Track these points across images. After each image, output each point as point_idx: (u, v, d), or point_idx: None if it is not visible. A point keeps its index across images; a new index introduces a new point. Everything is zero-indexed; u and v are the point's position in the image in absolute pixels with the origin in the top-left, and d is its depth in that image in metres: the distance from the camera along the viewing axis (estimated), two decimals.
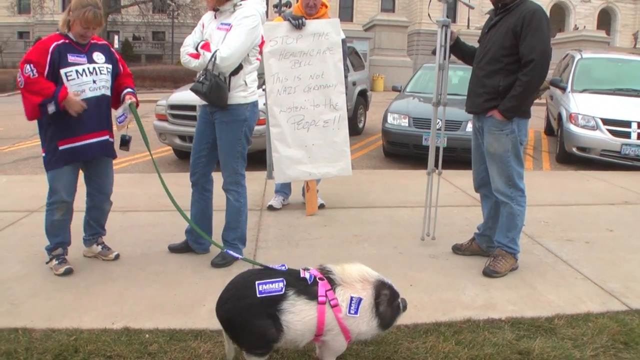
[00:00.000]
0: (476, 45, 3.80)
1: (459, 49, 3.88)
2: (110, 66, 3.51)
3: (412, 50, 37.94)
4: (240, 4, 3.53)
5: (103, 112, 3.49)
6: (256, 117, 3.78)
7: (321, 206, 5.13)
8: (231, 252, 3.00)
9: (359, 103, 10.71)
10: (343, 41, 4.70)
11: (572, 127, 7.97)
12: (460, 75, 8.90)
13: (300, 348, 2.45)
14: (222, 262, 3.66)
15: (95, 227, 3.76)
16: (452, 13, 40.54)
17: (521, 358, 2.56)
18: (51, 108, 3.23)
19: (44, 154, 3.44)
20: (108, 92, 3.50)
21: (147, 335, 2.69)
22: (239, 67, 3.51)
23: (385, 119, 8.21)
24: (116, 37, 34.66)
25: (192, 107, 6.73)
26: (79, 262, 3.68)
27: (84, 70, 3.35)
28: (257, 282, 2.25)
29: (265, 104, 4.89)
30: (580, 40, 29.12)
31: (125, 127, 3.55)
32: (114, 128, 3.58)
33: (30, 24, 43.18)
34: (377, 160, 8.45)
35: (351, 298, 2.28)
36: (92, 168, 3.62)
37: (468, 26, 36.84)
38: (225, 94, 3.49)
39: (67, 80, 3.29)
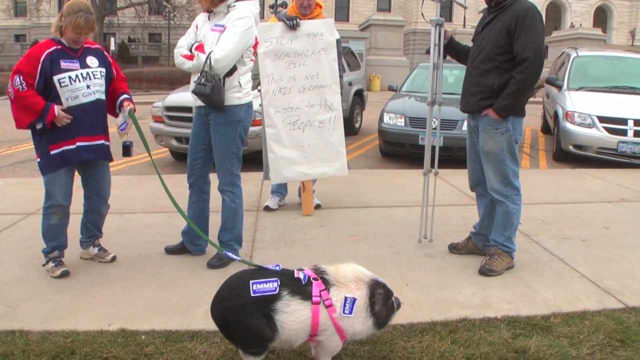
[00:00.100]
0: (471, 44, 3.81)
1: (452, 48, 3.88)
2: (103, 70, 3.51)
3: (408, 49, 37.97)
4: (234, 5, 3.53)
5: (98, 116, 3.51)
6: (251, 118, 3.78)
7: (317, 206, 5.13)
8: (230, 254, 2.99)
9: (356, 103, 10.71)
10: (338, 41, 4.70)
11: (569, 125, 7.98)
12: (456, 74, 8.88)
13: (295, 348, 2.45)
14: (218, 263, 3.66)
15: (92, 230, 3.76)
16: (447, 12, 40.70)
17: (517, 357, 2.56)
18: (39, 125, 3.31)
19: (38, 159, 3.45)
20: (103, 96, 3.51)
21: (143, 337, 2.69)
22: (233, 69, 3.51)
23: (381, 119, 8.22)
24: (112, 39, 34.64)
25: (189, 109, 6.69)
26: (76, 264, 3.69)
27: (77, 76, 3.35)
28: (251, 282, 2.26)
29: (261, 105, 4.89)
30: (577, 38, 29.23)
31: (126, 134, 3.58)
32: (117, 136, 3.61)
33: (26, 27, 43.17)
34: (373, 160, 8.45)
35: (345, 298, 2.29)
36: (89, 171, 3.62)
37: (464, 25, 36.80)
38: (224, 95, 3.50)
39: (60, 87, 3.30)
